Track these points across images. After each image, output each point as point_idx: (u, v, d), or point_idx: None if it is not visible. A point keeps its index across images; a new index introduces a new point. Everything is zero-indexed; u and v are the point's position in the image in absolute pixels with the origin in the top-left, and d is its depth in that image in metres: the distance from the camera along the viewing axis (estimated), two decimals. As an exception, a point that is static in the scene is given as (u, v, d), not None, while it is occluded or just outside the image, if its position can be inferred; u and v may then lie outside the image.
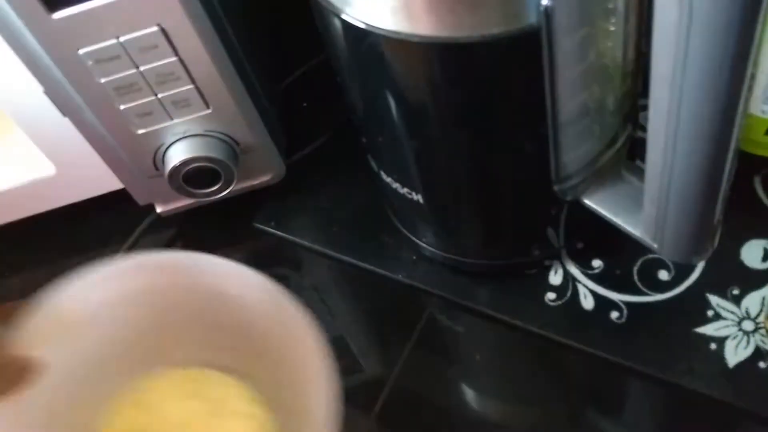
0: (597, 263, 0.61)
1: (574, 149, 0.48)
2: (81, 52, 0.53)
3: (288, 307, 0.48)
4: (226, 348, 0.55)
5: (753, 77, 0.36)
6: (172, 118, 0.59)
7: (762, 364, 0.55)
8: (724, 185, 0.42)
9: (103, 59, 0.54)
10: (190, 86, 0.57)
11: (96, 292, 0.52)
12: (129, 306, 0.54)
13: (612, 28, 0.42)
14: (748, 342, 0.55)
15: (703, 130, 0.38)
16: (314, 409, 0.45)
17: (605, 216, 0.51)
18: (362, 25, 0.42)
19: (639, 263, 0.60)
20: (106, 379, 0.55)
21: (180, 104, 0.58)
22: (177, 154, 0.60)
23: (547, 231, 0.57)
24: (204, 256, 0.52)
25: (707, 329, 0.56)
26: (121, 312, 0.54)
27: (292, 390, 0.49)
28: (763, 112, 0.55)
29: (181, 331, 0.55)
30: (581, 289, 0.60)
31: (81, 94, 0.56)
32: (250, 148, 0.63)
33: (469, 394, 0.60)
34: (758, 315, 0.56)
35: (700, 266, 0.59)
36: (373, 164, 0.57)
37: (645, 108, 0.41)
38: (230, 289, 0.52)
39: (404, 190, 0.55)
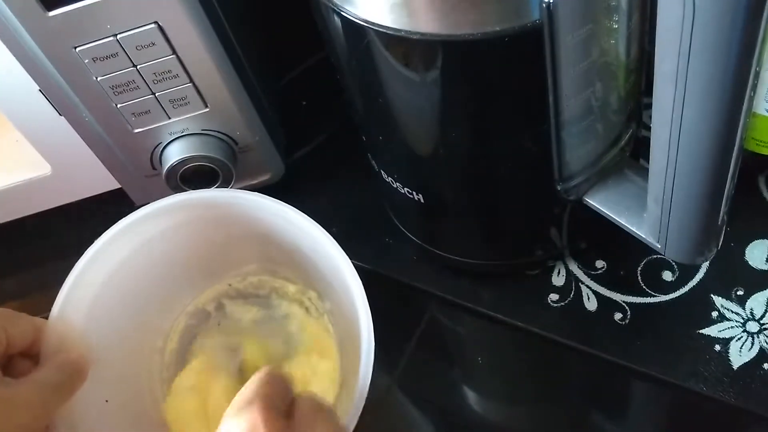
0: (600, 264, 0.60)
1: (577, 148, 0.48)
2: (77, 49, 0.53)
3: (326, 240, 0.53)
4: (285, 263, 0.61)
5: (757, 75, 0.35)
6: (169, 117, 0.58)
7: (767, 366, 0.54)
8: (729, 185, 0.42)
9: (100, 57, 0.53)
10: (188, 84, 0.56)
11: (146, 227, 0.56)
12: (178, 235, 0.58)
13: (615, 26, 0.42)
14: (752, 343, 0.55)
15: (707, 128, 0.38)
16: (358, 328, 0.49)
17: (608, 216, 0.51)
18: (362, 22, 0.41)
19: (643, 264, 0.59)
20: (178, 291, 0.61)
21: (177, 102, 0.57)
22: (174, 153, 0.60)
23: (550, 231, 0.57)
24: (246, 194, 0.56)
25: (711, 330, 0.56)
26: (181, 235, 0.58)
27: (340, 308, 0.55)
28: (768, 110, 0.54)
29: (240, 249, 0.61)
30: (584, 290, 0.59)
31: (77, 93, 0.56)
32: (249, 147, 0.63)
33: (471, 395, 0.60)
34: (763, 316, 0.56)
35: (705, 267, 0.59)
36: (374, 164, 0.57)
37: (649, 106, 0.40)
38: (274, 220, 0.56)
39: (405, 190, 0.55)
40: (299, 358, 0.58)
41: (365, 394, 0.47)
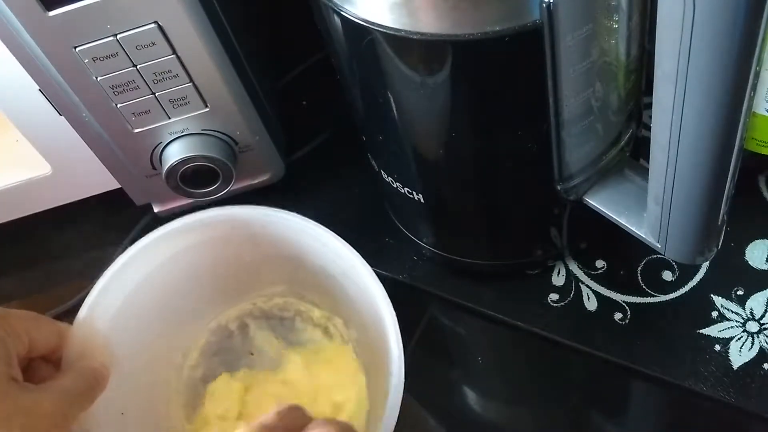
0: (600, 264, 0.60)
1: (577, 148, 0.48)
2: (77, 49, 0.53)
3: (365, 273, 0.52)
4: (313, 288, 0.60)
5: (757, 75, 0.35)
6: (169, 117, 0.58)
7: (767, 366, 0.54)
8: (729, 185, 0.42)
9: (100, 57, 0.53)
10: (188, 84, 0.56)
11: (178, 240, 0.56)
12: (207, 251, 0.57)
13: (615, 26, 0.42)
14: (752, 343, 0.55)
15: (707, 128, 0.38)
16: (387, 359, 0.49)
17: (608, 216, 0.51)
18: (362, 22, 0.41)
19: (643, 264, 0.59)
20: (202, 307, 0.61)
21: (178, 102, 0.57)
22: (174, 153, 0.60)
23: (550, 231, 0.57)
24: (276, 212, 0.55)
25: (711, 330, 0.56)
26: (211, 251, 0.57)
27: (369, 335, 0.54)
28: (768, 110, 0.54)
29: (269, 269, 0.60)
30: (584, 290, 0.59)
31: (77, 93, 0.56)
32: (249, 147, 0.62)
33: (471, 395, 0.59)
34: (763, 316, 0.56)
35: (705, 267, 0.59)
36: (374, 163, 0.57)
37: (649, 106, 0.40)
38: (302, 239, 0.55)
39: (405, 190, 0.55)
40: (321, 391, 0.57)
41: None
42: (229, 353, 0.61)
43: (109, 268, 0.53)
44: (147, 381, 0.57)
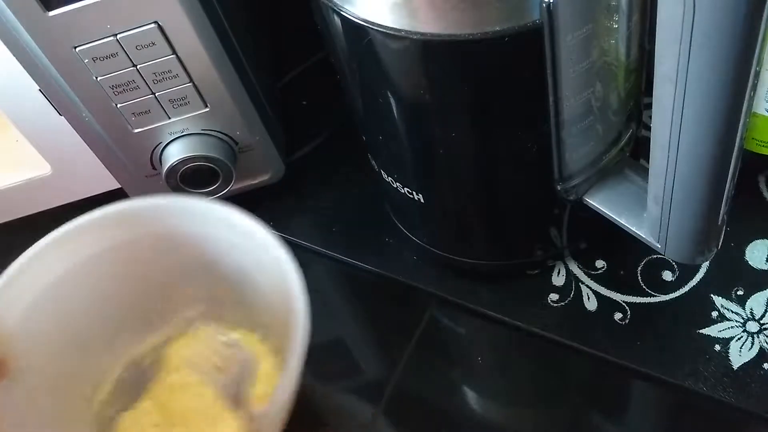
0: (600, 264, 0.60)
1: (577, 148, 0.48)
2: (77, 49, 0.53)
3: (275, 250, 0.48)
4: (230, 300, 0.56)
5: (757, 75, 0.35)
6: (169, 117, 0.58)
7: (767, 366, 0.54)
8: (729, 185, 0.42)
9: (100, 57, 0.53)
10: (188, 84, 0.56)
11: (77, 248, 0.52)
12: (113, 260, 0.54)
13: (615, 26, 0.42)
14: (752, 343, 0.55)
15: (707, 128, 0.38)
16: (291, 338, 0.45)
17: (608, 216, 0.51)
18: (362, 22, 0.41)
19: (643, 264, 0.59)
20: (112, 333, 0.56)
21: (177, 102, 0.57)
22: (174, 153, 0.60)
23: (550, 231, 0.57)
24: (184, 200, 0.52)
25: (711, 330, 0.56)
26: (106, 267, 0.53)
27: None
28: (768, 110, 0.54)
29: (178, 285, 0.56)
30: (584, 290, 0.59)
31: (77, 93, 0.56)
32: (249, 147, 0.62)
33: (471, 396, 0.59)
34: (763, 316, 0.56)
35: (705, 267, 0.59)
36: (374, 163, 0.57)
37: (649, 106, 0.40)
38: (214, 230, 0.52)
39: (405, 190, 0.55)
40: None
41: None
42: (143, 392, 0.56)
43: (14, 262, 0.51)
44: (52, 406, 0.52)
